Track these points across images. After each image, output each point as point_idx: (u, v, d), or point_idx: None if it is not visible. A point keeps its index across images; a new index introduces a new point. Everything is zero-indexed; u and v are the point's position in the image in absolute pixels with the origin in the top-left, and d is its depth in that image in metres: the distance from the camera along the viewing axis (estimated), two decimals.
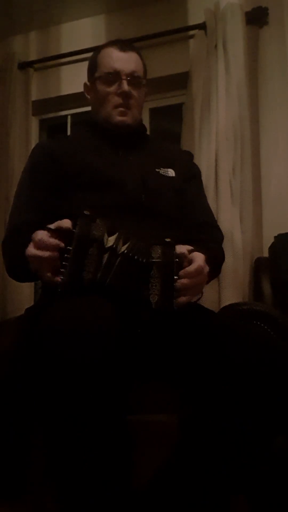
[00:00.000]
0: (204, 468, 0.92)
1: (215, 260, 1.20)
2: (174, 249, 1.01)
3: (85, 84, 1.41)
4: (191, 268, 1.03)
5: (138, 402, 1.06)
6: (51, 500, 1.06)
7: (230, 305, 1.48)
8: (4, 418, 1.13)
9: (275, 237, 1.96)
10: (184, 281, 1.02)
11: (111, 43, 1.37)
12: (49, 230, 0.98)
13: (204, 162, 2.16)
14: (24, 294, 2.37)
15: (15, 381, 1.11)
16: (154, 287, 0.99)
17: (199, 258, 1.06)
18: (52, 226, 0.99)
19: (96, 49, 1.40)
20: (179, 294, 1.01)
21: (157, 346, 1.06)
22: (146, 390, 1.09)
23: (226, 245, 2.01)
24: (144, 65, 1.38)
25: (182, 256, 1.03)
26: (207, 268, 1.07)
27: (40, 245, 0.97)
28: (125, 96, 1.30)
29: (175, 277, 1.00)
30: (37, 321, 0.91)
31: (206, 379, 0.95)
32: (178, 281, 1.00)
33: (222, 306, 1.70)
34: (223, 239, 1.38)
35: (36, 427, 1.09)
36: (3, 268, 1.22)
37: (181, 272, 1.02)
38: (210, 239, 1.29)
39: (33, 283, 2.38)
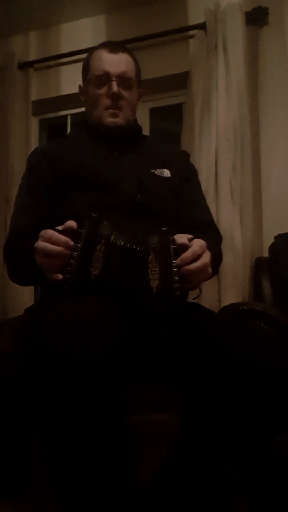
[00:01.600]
0: (204, 468, 0.92)
1: (215, 255, 1.18)
2: (171, 235, 1.01)
3: (79, 87, 1.42)
4: (191, 250, 1.01)
5: (138, 402, 1.06)
6: (51, 500, 1.07)
7: (230, 305, 1.47)
8: (5, 418, 1.14)
9: (275, 237, 1.96)
10: (187, 266, 1.00)
11: (101, 45, 1.36)
12: (57, 231, 0.98)
13: (204, 162, 2.16)
14: (24, 294, 2.37)
15: (15, 381, 1.11)
16: (153, 271, 1.00)
17: (198, 242, 1.04)
18: (59, 227, 0.99)
19: (90, 51, 1.39)
20: (181, 279, 1.00)
21: (157, 346, 1.06)
22: (146, 390, 1.09)
23: (226, 245, 2.03)
24: (137, 66, 1.38)
25: (182, 246, 1.02)
26: (209, 253, 1.06)
27: (52, 240, 0.97)
28: (115, 97, 1.30)
29: (174, 261, 0.99)
30: (37, 321, 0.91)
31: (206, 379, 0.95)
32: (183, 267, 1.00)
33: (222, 306, 1.69)
34: (221, 240, 1.37)
35: (37, 427, 1.09)
36: (3, 268, 1.22)
37: (181, 257, 1.00)
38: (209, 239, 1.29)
39: None
